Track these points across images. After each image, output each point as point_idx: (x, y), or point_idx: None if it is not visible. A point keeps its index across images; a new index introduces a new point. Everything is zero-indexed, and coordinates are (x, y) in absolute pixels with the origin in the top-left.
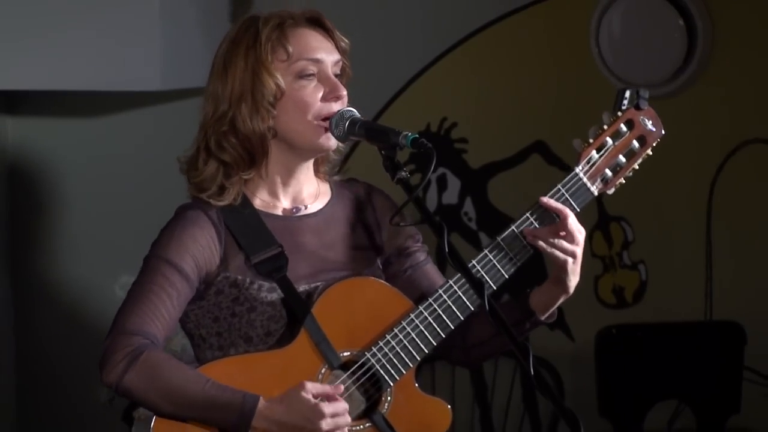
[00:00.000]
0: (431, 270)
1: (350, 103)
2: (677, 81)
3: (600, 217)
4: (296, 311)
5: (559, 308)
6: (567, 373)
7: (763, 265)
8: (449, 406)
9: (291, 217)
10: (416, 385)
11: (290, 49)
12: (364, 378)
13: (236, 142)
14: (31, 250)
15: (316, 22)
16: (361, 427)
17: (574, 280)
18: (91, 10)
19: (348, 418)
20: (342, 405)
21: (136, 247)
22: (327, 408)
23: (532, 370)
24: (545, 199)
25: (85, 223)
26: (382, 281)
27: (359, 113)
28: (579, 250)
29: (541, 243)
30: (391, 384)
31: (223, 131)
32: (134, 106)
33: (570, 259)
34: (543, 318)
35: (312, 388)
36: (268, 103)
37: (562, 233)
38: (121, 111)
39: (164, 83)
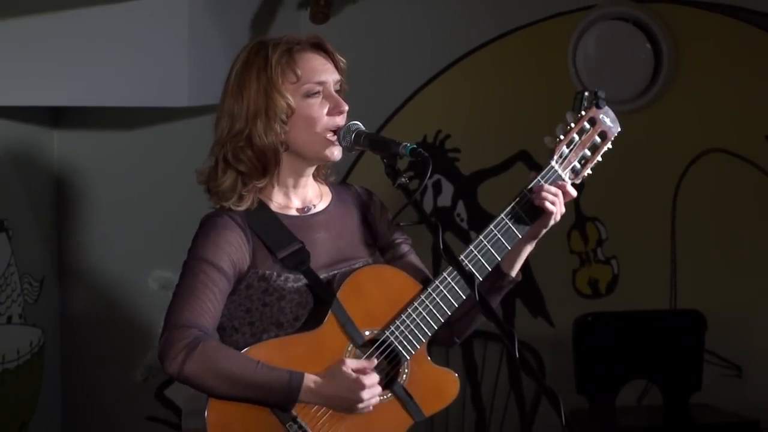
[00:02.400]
0: (414, 260)
1: (357, 117)
2: (645, 97)
3: (577, 217)
4: (323, 297)
5: (542, 298)
6: (548, 356)
7: (721, 260)
8: (457, 375)
9: (304, 216)
10: (428, 357)
11: (299, 72)
12: (385, 353)
13: (252, 155)
14: (74, 247)
15: (319, 46)
16: (384, 397)
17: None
18: (126, 36)
19: (379, 389)
20: (376, 377)
21: (166, 245)
22: (367, 380)
23: (517, 353)
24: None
25: (122, 224)
26: (396, 268)
27: (364, 126)
28: (561, 211)
29: (545, 194)
30: (408, 357)
31: (240, 146)
32: (164, 120)
33: (557, 216)
34: (514, 276)
35: (351, 363)
36: (280, 120)
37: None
38: (153, 124)
39: (191, 100)
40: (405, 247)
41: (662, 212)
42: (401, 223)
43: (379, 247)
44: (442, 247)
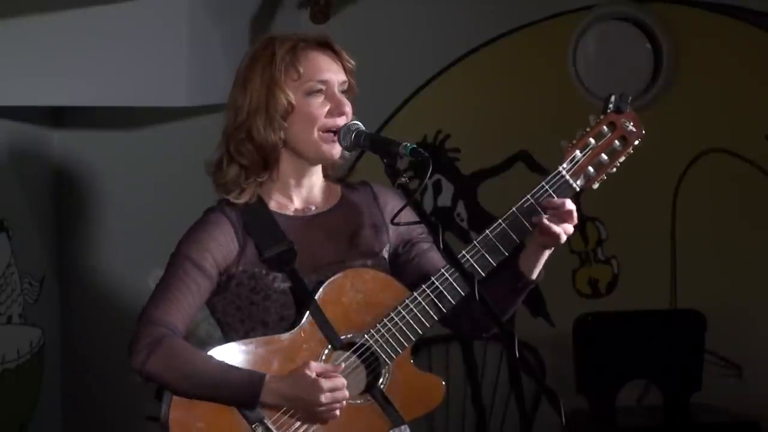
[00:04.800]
0: (435, 256)
1: (357, 117)
2: (645, 97)
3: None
4: (302, 299)
5: (542, 298)
6: (548, 356)
7: (721, 260)
8: (443, 382)
9: (302, 216)
10: (412, 362)
11: (301, 69)
12: (364, 357)
13: (252, 149)
14: (74, 247)
15: (326, 46)
16: (362, 401)
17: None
18: (126, 36)
19: (346, 393)
20: (340, 381)
21: (165, 244)
22: (326, 383)
23: (517, 353)
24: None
25: (121, 223)
26: (379, 271)
27: (364, 126)
28: (571, 227)
29: (549, 216)
30: (389, 362)
31: (241, 138)
32: (164, 120)
33: (565, 234)
34: (534, 278)
35: (315, 366)
36: (279, 117)
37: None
38: (152, 124)
39: (190, 100)
40: (425, 245)
41: (662, 212)
42: (401, 223)
43: (395, 247)
44: (442, 247)
